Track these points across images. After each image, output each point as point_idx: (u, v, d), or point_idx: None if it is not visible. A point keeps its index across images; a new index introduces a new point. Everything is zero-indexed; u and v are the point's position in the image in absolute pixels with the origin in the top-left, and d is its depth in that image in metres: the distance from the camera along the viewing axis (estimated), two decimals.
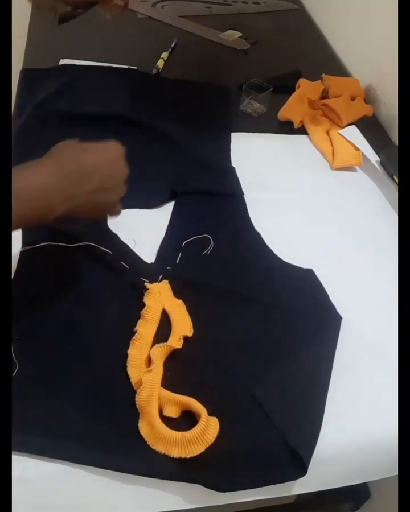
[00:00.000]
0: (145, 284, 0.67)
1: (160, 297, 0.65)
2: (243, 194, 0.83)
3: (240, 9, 1.41)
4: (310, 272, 0.71)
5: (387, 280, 0.73)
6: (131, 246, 0.72)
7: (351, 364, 0.62)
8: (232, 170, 0.87)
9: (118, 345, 0.60)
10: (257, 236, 0.77)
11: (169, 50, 1.16)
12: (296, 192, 0.87)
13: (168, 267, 0.70)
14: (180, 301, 0.66)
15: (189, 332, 0.62)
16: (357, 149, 0.95)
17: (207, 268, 0.71)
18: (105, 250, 0.70)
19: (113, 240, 0.73)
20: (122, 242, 0.73)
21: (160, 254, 0.72)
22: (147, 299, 0.65)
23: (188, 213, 0.78)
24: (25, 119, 0.88)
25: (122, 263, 0.69)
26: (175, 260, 0.71)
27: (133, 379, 0.57)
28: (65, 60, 1.05)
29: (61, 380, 0.57)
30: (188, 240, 0.74)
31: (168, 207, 0.79)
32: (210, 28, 1.29)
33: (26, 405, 0.53)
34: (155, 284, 0.67)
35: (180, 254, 0.72)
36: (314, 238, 0.78)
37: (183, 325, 0.63)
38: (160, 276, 0.68)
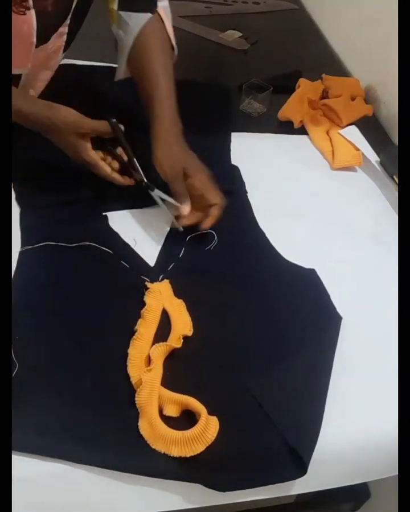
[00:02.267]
0: (146, 283, 0.67)
1: (160, 296, 0.65)
2: (246, 192, 0.83)
3: (240, 9, 1.41)
4: (312, 272, 0.71)
5: (387, 280, 0.73)
6: (131, 245, 0.72)
7: (351, 364, 0.62)
8: (235, 169, 0.87)
9: (118, 344, 0.60)
10: (262, 235, 0.77)
11: None
12: (296, 192, 0.86)
13: (170, 265, 0.70)
14: (180, 301, 0.66)
15: (188, 332, 0.62)
16: (357, 149, 0.95)
17: (210, 264, 0.71)
18: (105, 249, 0.70)
19: (114, 239, 0.73)
20: (123, 241, 0.73)
21: (163, 249, 0.72)
22: (147, 298, 0.65)
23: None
24: None
25: (123, 262, 0.69)
26: (179, 255, 0.72)
27: (133, 379, 0.57)
28: (65, 59, 1.05)
29: (61, 379, 0.57)
30: (193, 235, 0.74)
31: (168, 208, 0.79)
32: (210, 28, 1.30)
33: (26, 405, 0.53)
34: (156, 283, 0.67)
35: (183, 248, 0.72)
36: (314, 238, 0.78)
37: (182, 325, 0.63)
38: (161, 276, 0.68)
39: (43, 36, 0.71)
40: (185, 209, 0.72)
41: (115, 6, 0.77)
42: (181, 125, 0.76)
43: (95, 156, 0.71)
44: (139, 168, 0.72)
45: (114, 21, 0.79)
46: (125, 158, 0.73)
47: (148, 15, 0.77)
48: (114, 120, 0.70)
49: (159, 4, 0.79)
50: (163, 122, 0.74)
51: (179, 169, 0.71)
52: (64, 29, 0.75)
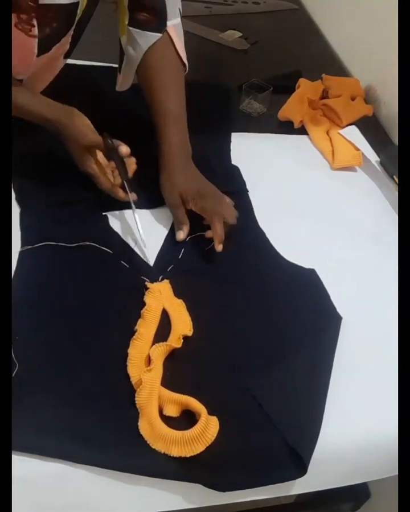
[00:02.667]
0: (145, 283, 0.67)
1: (160, 296, 0.65)
2: (247, 191, 0.83)
3: (240, 9, 1.41)
4: (312, 272, 0.71)
5: (387, 280, 0.73)
6: (131, 245, 0.72)
7: (351, 364, 0.62)
8: (235, 169, 0.87)
9: (118, 344, 0.60)
10: (262, 235, 0.77)
11: None
12: (296, 192, 0.86)
13: (170, 266, 0.70)
14: (180, 301, 0.66)
15: (188, 332, 0.62)
16: (357, 149, 0.95)
17: (210, 264, 0.71)
18: (105, 249, 0.70)
19: (114, 239, 0.73)
20: (122, 241, 0.73)
21: (163, 250, 0.73)
22: (147, 298, 0.65)
23: (191, 210, 0.78)
24: None
25: (122, 262, 0.69)
26: (178, 256, 0.72)
27: (133, 379, 0.57)
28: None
29: (61, 380, 0.57)
30: (192, 235, 0.74)
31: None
32: (210, 28, 1.30)
33: (26, 405, 0.53)
34: (156, 283, 0.67)
35: (182, 249, 0.72)
36: (314, 238, 0.78)
37: (182, 325, 0.63)
38: (161, 276, 0.68)
39: (45, 47, 0.72)
40: (179, 235, 0.73)
41: (126, 20, 0.78)
42: (190, 149, 0.78)
43: (96, 169, 0.72)
44: (128, 191, 0.72)
45: (123, 33, 0.80)
46: (129, 174, 0.74)
47: (157, 35, 0.78)
48: (110, 140, 0.71)
49: (169, 23, 0.79)
50: (168, 150, 0.76)
51: (177, 198, 0.74)
52: (67, 38, 0.75)
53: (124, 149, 0.71)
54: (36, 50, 0.70)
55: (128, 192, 0.73)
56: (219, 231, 0.70)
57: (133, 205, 0.72)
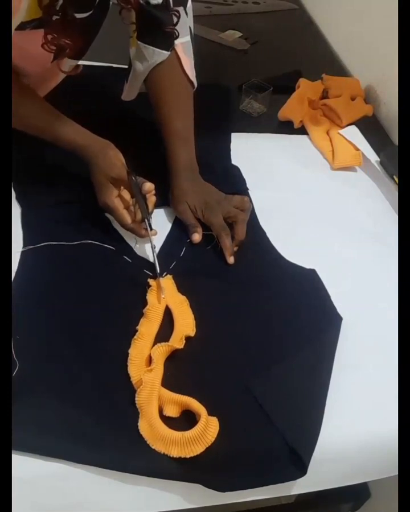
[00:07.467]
0: (148, 280, 0.67)
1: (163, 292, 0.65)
2: (248, 189, 0.83)
3: (240, 9, 1.41)
4: (312, 272, 0.71)
5: (387, 280, 0.73)
6: (132, 245, 0.73)
7: (351, 364, 0.62)
8: (235, 169, 0.87)
9: (119, 344, 0.60)
10: (263, 234, 0.77)
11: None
12: (296, 192, 0.86)
13: (171, 264, 0.70)
14: (183, 297, 0.66)
15: (191, 332, 0.62)
16: (357, 149, 0.95)
17: (211, 264, 0.72)
18: (107, 246, 0.71)
19: (114, 239, 0.73)
20: (123, 240, 0.73)
21: (165, 248, 0.73)
22: (149, 296, 0.65)
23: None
24: None
25: (125, 256, 0.69)
26: (180, 254, 0.72)
27: (133, 379, 0.56)
28: None
29: (61, 379, 0.57)
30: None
31: (170, 208, 0.79)
32: (210, 28, 1.30)
33: (26, 405, 0.53)
34: (158, 280, 0.67)
35: (184, 248, 0.72)
36: (314, 238, 0.78)
37: (185, 325, 0.63)
38: (165, 273, 0.68)
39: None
40: (195, 237, 0.74)
41: (135, 33, 0.77)
42: (197, 166, 0.79)
43: (118, 203, 0.70)
44: (149, 227, 0.70)
45: (132, 45, 0.79)
46: (150, 210, 0.72)
47: (164, 53, 0.77)
48: (134, 177, 0.70)
49: (177, 41, 0.78)
50: (176, 168, 0.78)
51: (185, 205, 0.76)
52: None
53: (147, 186, 0.70)
54: (49, 64, 0.70)
55: (147, 227, 0.70)
56: (227, 244, 0.71)
57: (153, 243, 0.70)
